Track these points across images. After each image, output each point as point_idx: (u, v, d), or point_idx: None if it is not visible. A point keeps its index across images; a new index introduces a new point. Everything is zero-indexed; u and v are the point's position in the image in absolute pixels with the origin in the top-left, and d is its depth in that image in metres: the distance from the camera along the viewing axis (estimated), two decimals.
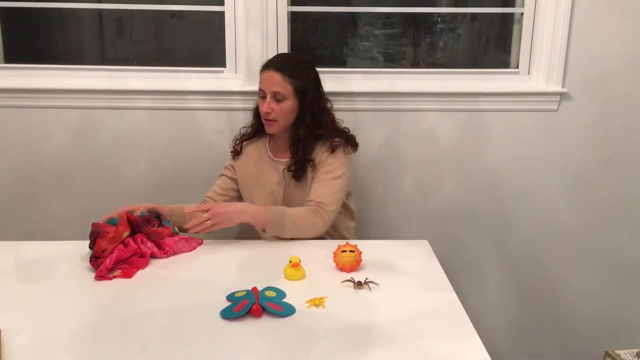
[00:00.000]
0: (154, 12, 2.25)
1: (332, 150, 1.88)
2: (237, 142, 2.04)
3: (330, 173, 1.87)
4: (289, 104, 1.87)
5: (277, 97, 1.85)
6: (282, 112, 1.87)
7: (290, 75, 1.85)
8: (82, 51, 2.39)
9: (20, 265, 1.60)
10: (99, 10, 2.28)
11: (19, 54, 2.28)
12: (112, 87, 2.18)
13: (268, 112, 1.86)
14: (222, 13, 2.17)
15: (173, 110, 2.21)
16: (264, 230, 1.82)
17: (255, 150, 2.01)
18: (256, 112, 1.99)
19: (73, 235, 2.22)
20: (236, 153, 2.02)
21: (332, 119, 1.97)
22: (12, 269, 1.57)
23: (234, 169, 2.02)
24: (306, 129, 1.89)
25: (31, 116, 2.20)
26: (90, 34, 2.37)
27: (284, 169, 1.93)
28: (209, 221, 1.71)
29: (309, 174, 1.90)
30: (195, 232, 1.73)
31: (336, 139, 1.90)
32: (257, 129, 2.02)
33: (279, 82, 1.84)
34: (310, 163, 1.89)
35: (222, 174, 2.04)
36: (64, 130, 2.21)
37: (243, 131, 2.07)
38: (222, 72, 2.23)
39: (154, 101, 2.19)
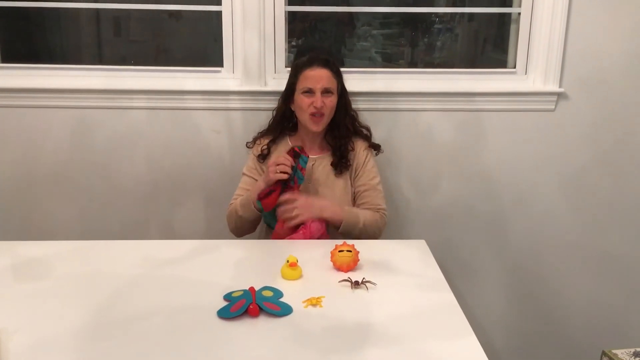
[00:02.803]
0: (152, 11, 2.24)
1: (370, 147, 2.03)
2: (263, 146, 2.01)
3: (374, 179, 1.99)
4: (335, 99, 1.94)
5: (326, 93, 1.90)
6: (331, 105, 1.92)
7: (335, 71, 1.94)
8: (80, 51, 2.38)
9: (17, 265, 1.59)
10: (97, 10, 2.28)
11: (16, 54, 2.27)
12: (109, 86, 2.18)
13: (321, 107, 1.89)
14: (220, 13, 2.17)
15: (170, 110, 2.21)
16: (337, 228, 1.85)
17: (281, 150, 2.00)
18: (283, 113, 2.00)
19: (70, 235, 2.25)
20: (263, 157, 2.00)
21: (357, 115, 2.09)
22: (9, 269, 1.56)
23: (262, 171, 1.99)
24: (350, 123, 2.01)
25: (28, 116, 2.19)
26: (88, 33, 2.37)
27: (312, 165, 1.96)
28: (295, 210, 1.79)
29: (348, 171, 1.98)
30: (284, 220, 1.81)
31: (371, 141, 2.04)
32: (282, 130, 2.03)
33: (329, 77, 1.91)
34: (351, 156, 1.98)
35: (248, 176, 2.00)
36: (61, 129, 2.21)
37: (260, 135, 2.05)
38: (219, 71, 2.23)
39: (151, 101, 2.19)
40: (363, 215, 1.89)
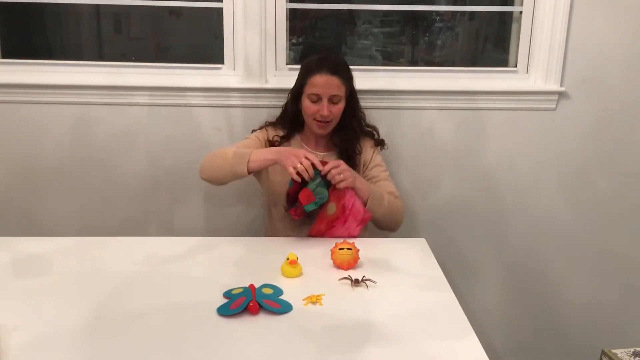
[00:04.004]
0: (152, 8, 2.24)
1: (377, 145, 2.05)
2: (275, 137, 1.99)
3: (385, 172, 2.00)
4: (342, 105, 1.92)
5: (334, 100, 1.89)
6: (338, 113, 1.91)
7: (345, 78, 1.91)
8: (80, 47, 2.38)
9: (17, 261, 1.59)
10: (97, 6, 2.27)
11: (16, 50, 2.27)
12: (109, 83, 2.17)
13: (328, 115, 1.88)
14: (221, 9, 2.17)
15: (171, 107, 2.20)
16: (365, 204, 1.80)
17: (291, 145, 2.00)
18: (294, 114, 1.99)
19: (70, 232, 2.25)
20: (272, 145, 1.98)
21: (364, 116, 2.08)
22: (9, 265, 1.56)
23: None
24: (357, 125, 2.00)
25: (28, 112, 2.19)
26: (88, 30, 2.36)
27: (319, 161, 1.95)
28: (341, 175, 1.72)
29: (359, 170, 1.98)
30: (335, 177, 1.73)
31: (376, 138, 2.05)
32: (292, 129, 2.01)
33: (337, 85, 1.88)
34: (358, 158, 1.98)
35: (250, 139, 1.96)
36: (62, 126, 2.21)
37: (268, 124, 2.03)
38: (220, 68, 2.22)
39: (151, 98, 2.19)
40: (386, 195, 1.87)
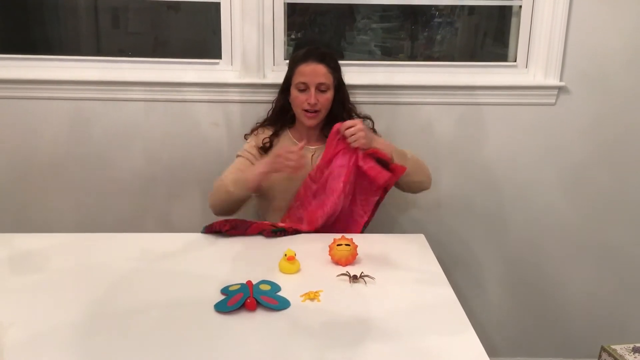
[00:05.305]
0: (150, 3, 2.23)
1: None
2: (265, 139, 1.98)
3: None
4: (330, 95, 1.92)
5: (321, 89, 1.89)
6: (326, 102, 1.91)
7: (332, 67, 1.92)
8: (77, 42, 2.37)
9: (13, 257, 1.59)
10: (95, 1, 2.26)
11: (13, 44, 2.26)
12: (106, 78, 2.16)
13: (315, 104, 1.88)
14: (218, 4, 2.16)
15: (168, 102, 2.19)
16: (390, 161, 1.82)
17: (282, 143, 1.99)
18: (282, 107, 1.99)
19: (66, 228, 2.24)
20: (265, 149, 1.97)
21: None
22: (5, 261, 1.56)
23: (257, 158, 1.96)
24: (348, 117, 1.97)
25: (25, 107, 2.18)
26: (86, 25, 2.35)
27: (312, 155, 1.96)
28: (360, 132, 1.77)
29: None
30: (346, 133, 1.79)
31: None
32: (282, 123, 2.01)
33: (324, 73, 1.89)
34: None
35: (245, 157, 1.95)
36: (58, 121, 2.20)
37: (259, 126, 2.04)
38: (217, 64, 2.21)
39: (149, 93, 2.18)
40: (407, 150, 1.89)
